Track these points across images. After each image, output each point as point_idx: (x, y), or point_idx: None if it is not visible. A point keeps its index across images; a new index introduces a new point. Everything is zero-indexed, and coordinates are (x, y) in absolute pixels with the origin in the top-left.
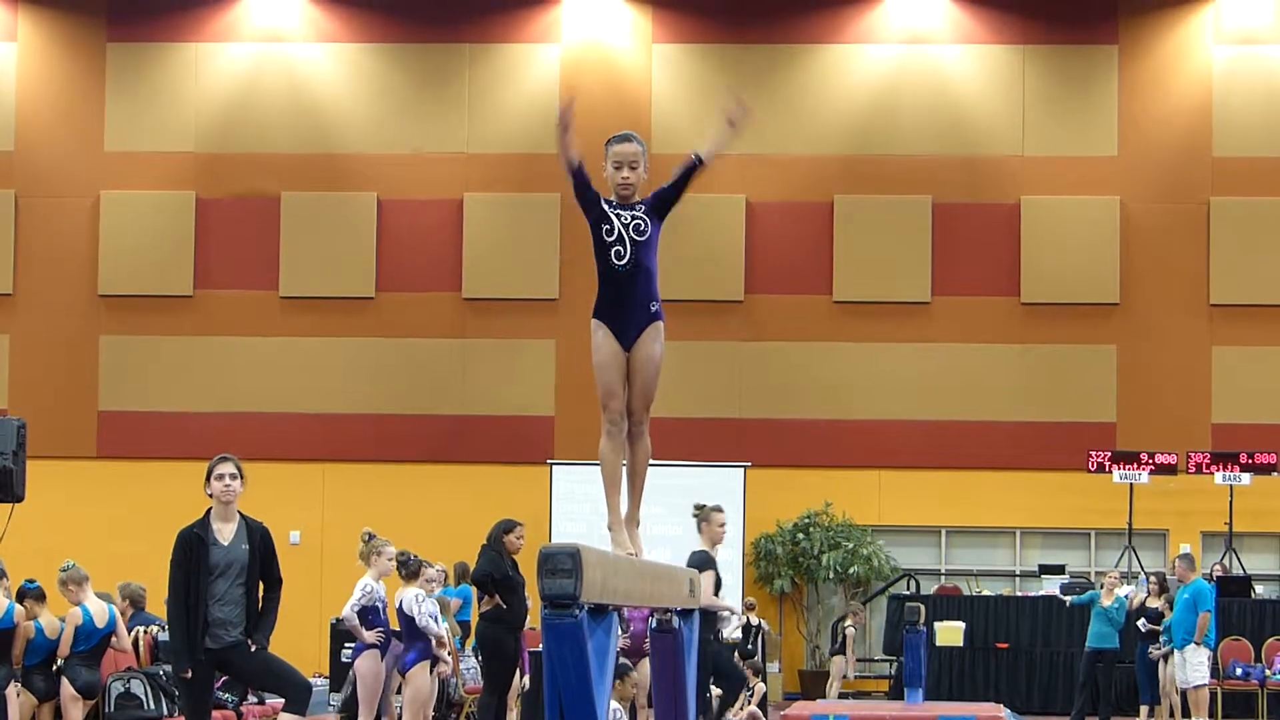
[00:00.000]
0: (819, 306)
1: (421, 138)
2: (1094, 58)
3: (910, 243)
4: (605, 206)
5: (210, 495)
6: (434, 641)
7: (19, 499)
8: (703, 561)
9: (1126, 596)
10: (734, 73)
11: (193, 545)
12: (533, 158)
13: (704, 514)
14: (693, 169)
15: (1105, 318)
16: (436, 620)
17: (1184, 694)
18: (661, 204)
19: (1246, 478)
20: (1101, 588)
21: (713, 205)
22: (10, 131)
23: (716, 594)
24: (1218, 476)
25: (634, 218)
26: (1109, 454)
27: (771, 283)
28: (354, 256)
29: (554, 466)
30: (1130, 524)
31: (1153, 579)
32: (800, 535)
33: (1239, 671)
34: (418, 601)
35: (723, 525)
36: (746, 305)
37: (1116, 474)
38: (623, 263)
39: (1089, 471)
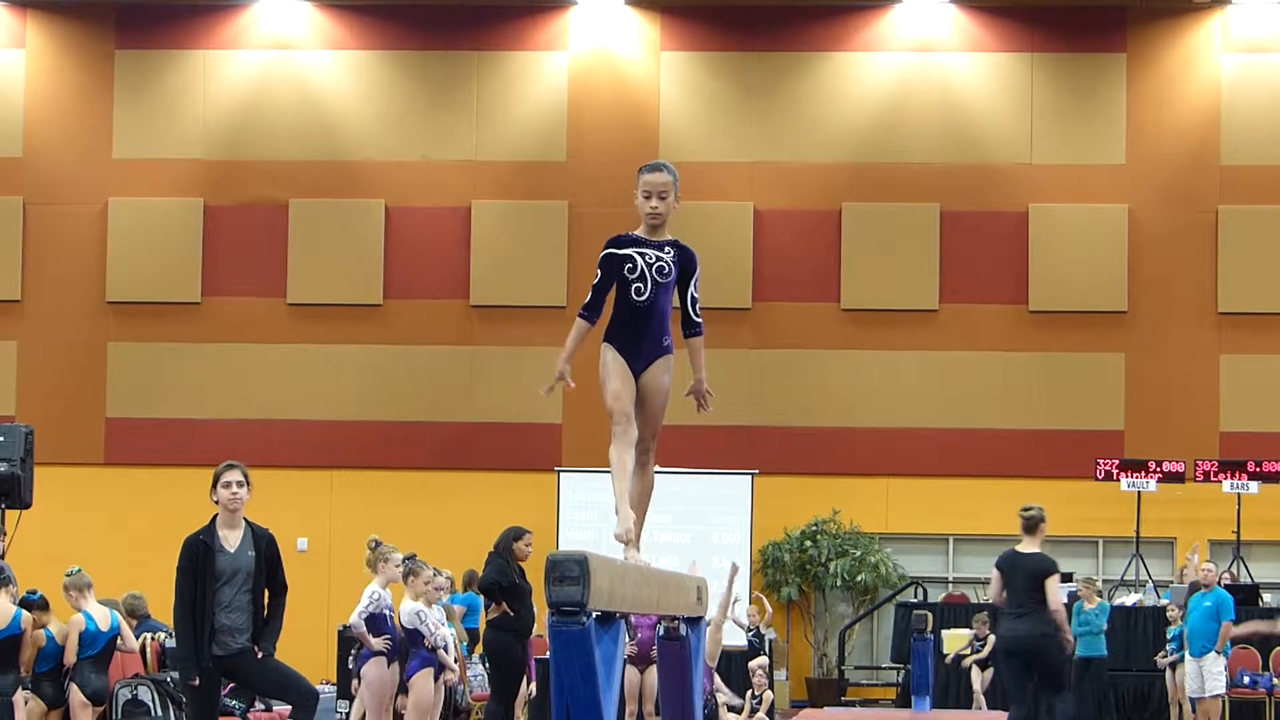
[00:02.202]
0: (827, 314)
1: (429, 145)
2: (1102, 66)
3: (918, 250)
4: (630, 248)
5: (216, 502)
6: (439, 649)
7: (27, 505)
8: (1053, 567)
9: (1134, 605)
10: (742, 81)
11: (199, 552)
12: (541, 165)
13: (1040, 515)
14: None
15: (1113, 326)
16: (444, 626)
17: (1193, 703)
18: (683, 280)
19: (1254, 486)
20: (1080, 596)
21: (721, 213)
22: (19, 138)
23: None
24: (1225, 485)
25: (659, 259)
26: (1117, 462)
27: (779, 290)
28: (362, 264)
29: (561, 474)
30: (1138, 532)
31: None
32: (808, 543)
33: (1247, 680)
34: (419, 615)
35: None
36: (754, 313)
37: (1124, 482)
38: (642, 299)
39: (1096, 480)
